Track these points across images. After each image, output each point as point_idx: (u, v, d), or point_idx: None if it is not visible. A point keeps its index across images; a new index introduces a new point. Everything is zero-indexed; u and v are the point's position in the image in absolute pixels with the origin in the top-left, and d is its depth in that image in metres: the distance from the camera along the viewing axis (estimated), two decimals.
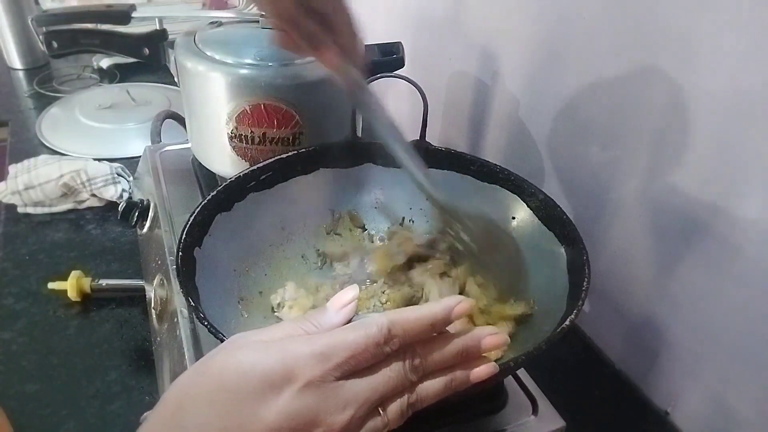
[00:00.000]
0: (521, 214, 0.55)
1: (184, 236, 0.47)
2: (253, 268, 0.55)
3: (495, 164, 0.57)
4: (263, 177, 0.56)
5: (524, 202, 0.54)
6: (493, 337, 0.33)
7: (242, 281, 0.54)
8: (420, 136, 0.65)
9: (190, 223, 0.49)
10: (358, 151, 0.61)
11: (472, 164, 0.58)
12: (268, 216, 0.57)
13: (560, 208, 0.51)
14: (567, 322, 0.40)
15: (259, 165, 0.56)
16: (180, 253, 0.46)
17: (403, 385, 0.31)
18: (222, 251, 0.51)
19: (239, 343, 0.30)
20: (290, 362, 0.28)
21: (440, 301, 0.32)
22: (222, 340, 0.38)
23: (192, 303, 0.42)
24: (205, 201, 0.51)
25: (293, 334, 0.30)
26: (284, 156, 0.57)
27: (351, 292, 0.33)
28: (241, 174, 0.55)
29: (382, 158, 0.61)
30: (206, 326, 0.40)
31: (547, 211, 0.52)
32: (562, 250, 0.49)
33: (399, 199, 0.62)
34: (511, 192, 0.55)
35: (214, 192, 0.52)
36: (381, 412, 0.30)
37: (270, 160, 0.57)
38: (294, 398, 0.27)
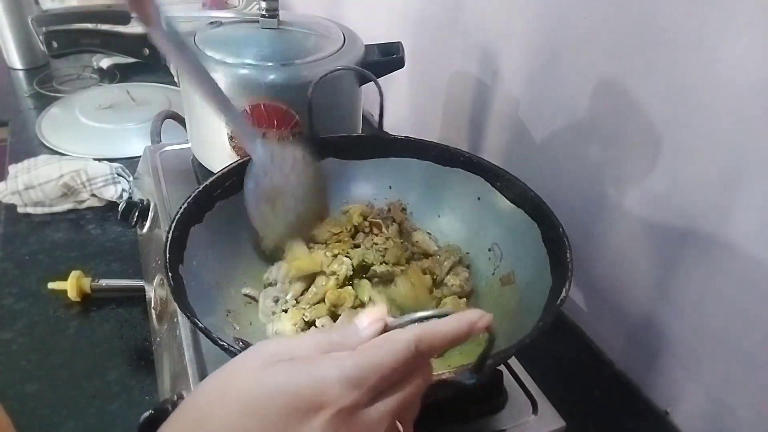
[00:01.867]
0: (486, 195, 0.56)
1: (168, 255, 0.46)
2: (233, 278, 0.54)
3: (455, 148, 0.57)
4: (228, 182, 0.55)
5: (488, 182, 0.55)
6: (484, 318, 0.31)
7: (226, 293, 0.53)
8: (378, 127, 0.64)
9: (169, 240, 0.47)
10: (317, 145, 0.59)
11: (432, 150, 0.59)
12: (239, 222, 0.53)
13: (526, 185, 0.52)
14: (558, 302, 0.41)
15: (222, 171, 0.55)
16: (169, 273, 0.44)
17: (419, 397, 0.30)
18: (202, 265, 0.50)
19: (265, 356, 0.29)
20: (320, 388, 0.26)
21: (462, 314, 0.31)
22: (225, 349, 0.38)
23: (196, 320, 0.41)
24: (178, 215, 0.50)
25: (321, 347, 0.29)
26: (246, 159, 0.55)
27: (380, 311, 0.32)
28: (208, 182, 0.53)
29: (341, 152, 0.61)
30: (211, 339, 0.39)
31: (513, 190, 0.53)
32: (536, 225, 0.50)
33: (363, 190, 0.63)
34: (475, 173, 0.56)
35: (185, 204, 0.51)
36: (399, 425, 0.30)
37: (231, 165, 0.55)
38: (325, 427, 0.26)
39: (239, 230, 0.55)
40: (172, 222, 0.49)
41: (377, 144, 0.61)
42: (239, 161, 0.56)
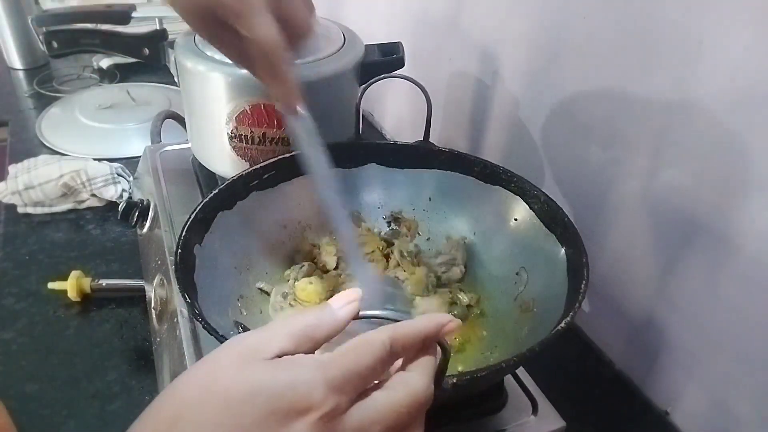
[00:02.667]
0: (523, 216, 0.55)
1: (184, 233, 0.47)
2: (253, 267, 0.55)
3: (498, 165, 0.56)
4: (266, 176, 0.56)
5: (526, 203, 0.54)
6: (452, 323, 0.32)
7: (242, 279, 0.54)
8: (424, 137, 0.65)
9: (191, 220, 0.49)
10: (361, 150, 0.61)
11: (475, 165, 0.58)
12: (270, 215, 0.57)
13: (562, 210, 0.51)
14: (562, 325, 0.40)
15: (262, 164, 0.56)
16: (179, 250, 0.46)
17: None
18: (223, 249, 0.52)
19: (242, 351, 0.28)
20: (302, 391, 0.26)
21: (432, 316, 0.31)
22: (217, 337, 0.38)
23: (188, 299, 0.42)
24: (207, 199, 0.51)
25: (296, 334, 0.29)
26: (287, 155, 0.57)
27: (354, 293, 0.32)
28: (244, 173, 0.55)
29: (385, 159, 0.61)
30: (201, 323, 0.40)
31: (549, 213, 0.52)
32: (563, 252, 0.49)
33: (402, 199, 0.62)
34: (514, 193, 0.55)
35: (217, 190, 0.53)
36: None
37: (273, 159, 0.57)
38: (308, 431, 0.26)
39: (270, 223, 0.57)
40: (199, 205, 0.50)
41: (422, 154, 0.60)
42: (281, 156, 0.57)
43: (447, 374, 0.34)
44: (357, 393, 0.28)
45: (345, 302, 0.31)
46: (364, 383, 0.28)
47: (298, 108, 0.46)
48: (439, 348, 0.32)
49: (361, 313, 0.31)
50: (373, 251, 0.58)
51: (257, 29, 0.40)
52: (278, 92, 0.45)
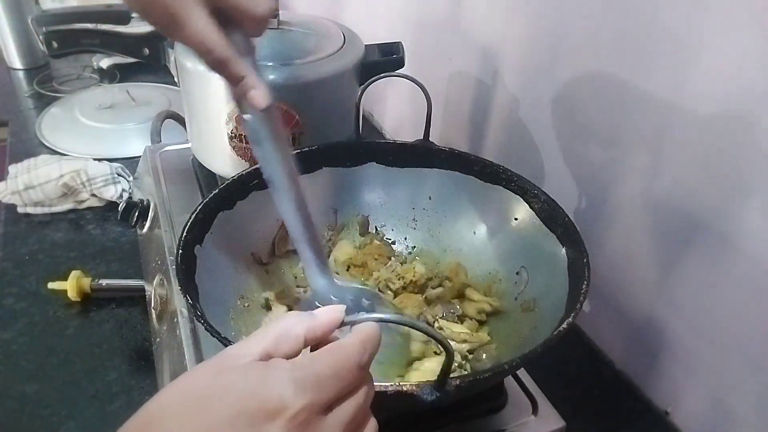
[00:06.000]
0: (523, 215, 0.55)
1: (184, 234, 0.47)
2: (254, 266, 0.55)
3: (498, 165, 0.57)
4: None
5: (527, 203, 0.54)
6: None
7: (243, 279, 0.54)
8: (424, 136, 0.65)
9: (191, 220, 0.49)
10: (361, 150, 0.61)
11: (475, 165, 0.58)
12: (270, 214, 0.57)
13: (562, 209, 0.51)
14: (564, 325, 0.40)
15: None
16: (180, 251, 0.46)
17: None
18: (223, 249, 0.52)
19: (224, 357, 0.29)
20: (272, 390, 0.26)
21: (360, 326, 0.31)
22: (218, 338, 0.39)
23: (190, 300, 0.42)
24: (207, 199, 0.51)
25: (278, 334, 0.29)
26: None
27: (338, 307, 0.32)
28: (244, 172, 0.55)
29: (385, 158, 0.61)
30: (203, 323, 0.40)
31: (549, 213, 0.52)
32: (564, 251, 0.49)
33: (402, 198, 0.62)
34: (514, 193, 0.56)
35: (216, 190, 0.53)
36: None
37: None
38: None
39: (270, 223, 0.57)
40: (199, 205, 0.50)
41: (422, 153, 0.60)
42: None
43: (450, 376, 0.34)
44: (335, 395, 0.28)
45: (328, 311, 0.31)
46: (344, 387, 0.28)
47: (267, 103, 0.40)
48: (443, 350, 0.32)
49: (346, 318, 0.31)
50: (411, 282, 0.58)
51: (189, 33, 0.35)
52: (236, 91, 0.40)
